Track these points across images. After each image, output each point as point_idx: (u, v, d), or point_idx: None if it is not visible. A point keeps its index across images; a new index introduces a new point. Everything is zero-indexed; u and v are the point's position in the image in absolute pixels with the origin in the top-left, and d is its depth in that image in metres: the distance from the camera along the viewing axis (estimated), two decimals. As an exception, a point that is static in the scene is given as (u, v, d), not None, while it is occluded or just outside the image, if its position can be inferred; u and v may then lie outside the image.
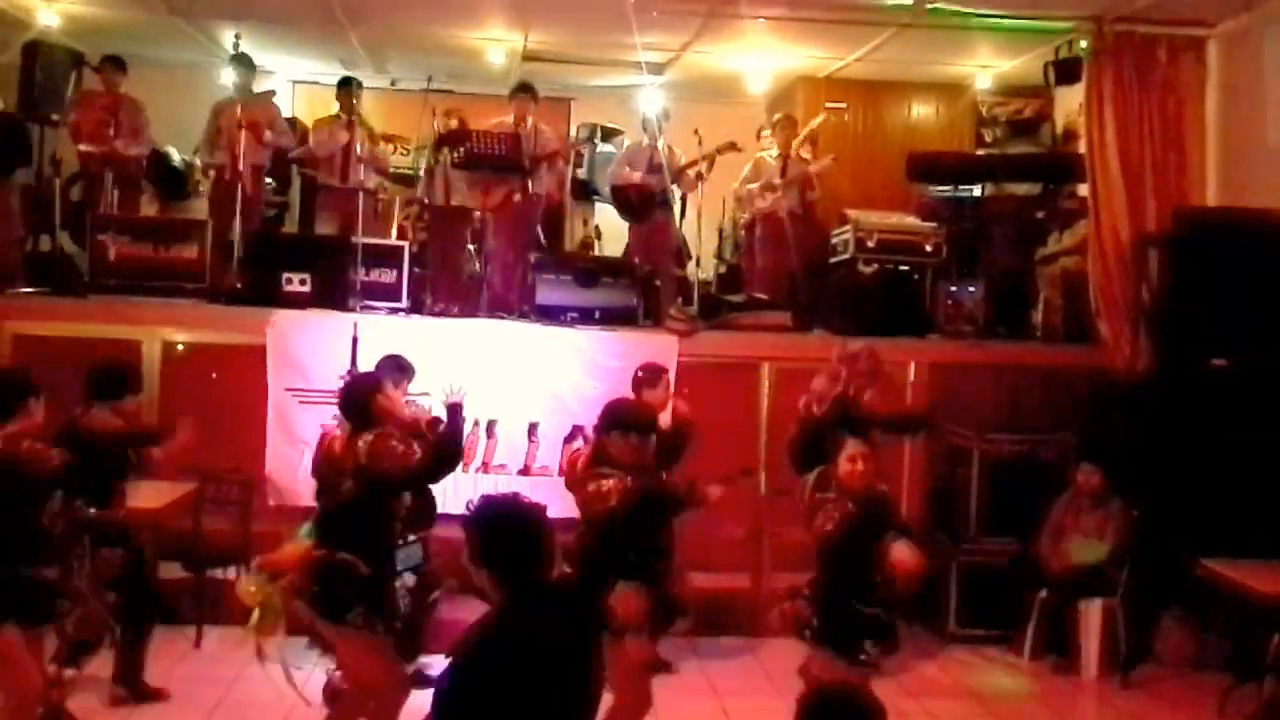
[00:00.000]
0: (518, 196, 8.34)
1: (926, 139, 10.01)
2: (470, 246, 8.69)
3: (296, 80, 10.95)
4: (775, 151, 9.00)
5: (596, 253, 10.00)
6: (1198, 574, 5.98)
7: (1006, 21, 8.20)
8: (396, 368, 5.59)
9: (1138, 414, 7.14)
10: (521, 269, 8.34)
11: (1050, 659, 6.75)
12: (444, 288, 8.30)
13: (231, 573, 6.70)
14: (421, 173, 8.91)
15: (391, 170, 9.38)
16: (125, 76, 8.44)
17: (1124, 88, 7.66)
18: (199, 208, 9.17)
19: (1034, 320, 8.55)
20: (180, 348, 7.25)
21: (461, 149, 8.21)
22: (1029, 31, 8.38)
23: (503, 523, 3.06)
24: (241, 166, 8.10)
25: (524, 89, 8.52)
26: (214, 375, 7.30)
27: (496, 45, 9.53)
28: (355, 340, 6.64)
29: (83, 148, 8.37)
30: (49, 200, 8.42)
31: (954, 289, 8.16)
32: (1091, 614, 6.66)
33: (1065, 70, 8.14)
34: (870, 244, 8.30)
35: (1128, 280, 7.55)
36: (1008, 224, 8.78)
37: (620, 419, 4.87)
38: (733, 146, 8.57)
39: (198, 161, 9.35)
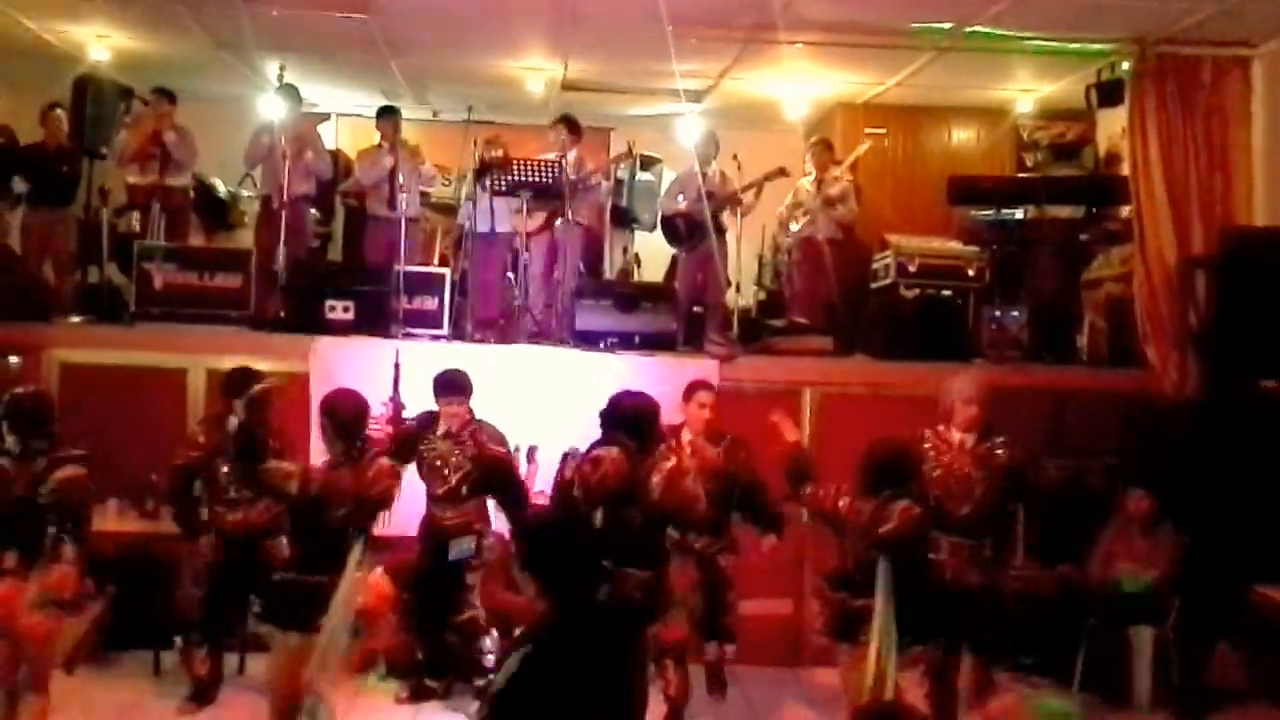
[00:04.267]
0: (558, 223, 8.39)
1: (967, 164, 9.96)
2: (510, 274, 8.73)
3: (340, 113, 11.10)
4: (812, 176, 8.99)
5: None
6: (1252, 601, 5.85)
7: (1047, 44, 8.17)
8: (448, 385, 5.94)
9: (1187, 438, 7.02)
10: (561, 295, 8.37)
11: (1100, 689, 6.62)
12: (484, 314, 8.34)
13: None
14: (463, 200, 8.99)
15: (434, 198, 9.47)
16: (174, 108, 8.58)
17: (1167, 109, 7.60)
18: (245, 238, 9.30)
19: (1079, 344, 8.46)
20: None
21: (503, 176, 8.26)
22: (1070, 54, 8.34)
23: (550, 533, 3.12)
24: (286, 195, 8.18)
25: (567, 122, 8.58)
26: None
27: (536, 75, 9.60)
28: (397, 366, 6.67)
29: (130, 179, 8.51)
30: (97, 232, 8.56)
31: (998, 313, 8.09)
32: (1142, 643, 6.52)
33: (1107, 92, 8.08)
34: (911, 268, 8.24)
35: (1174, 303, 7.47)
36: (1051, 247, 8.70)
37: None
38: (782, 172, 8.58)
39: (244, 193, 9.50)
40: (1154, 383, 7.43)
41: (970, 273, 8.30)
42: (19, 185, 8.58)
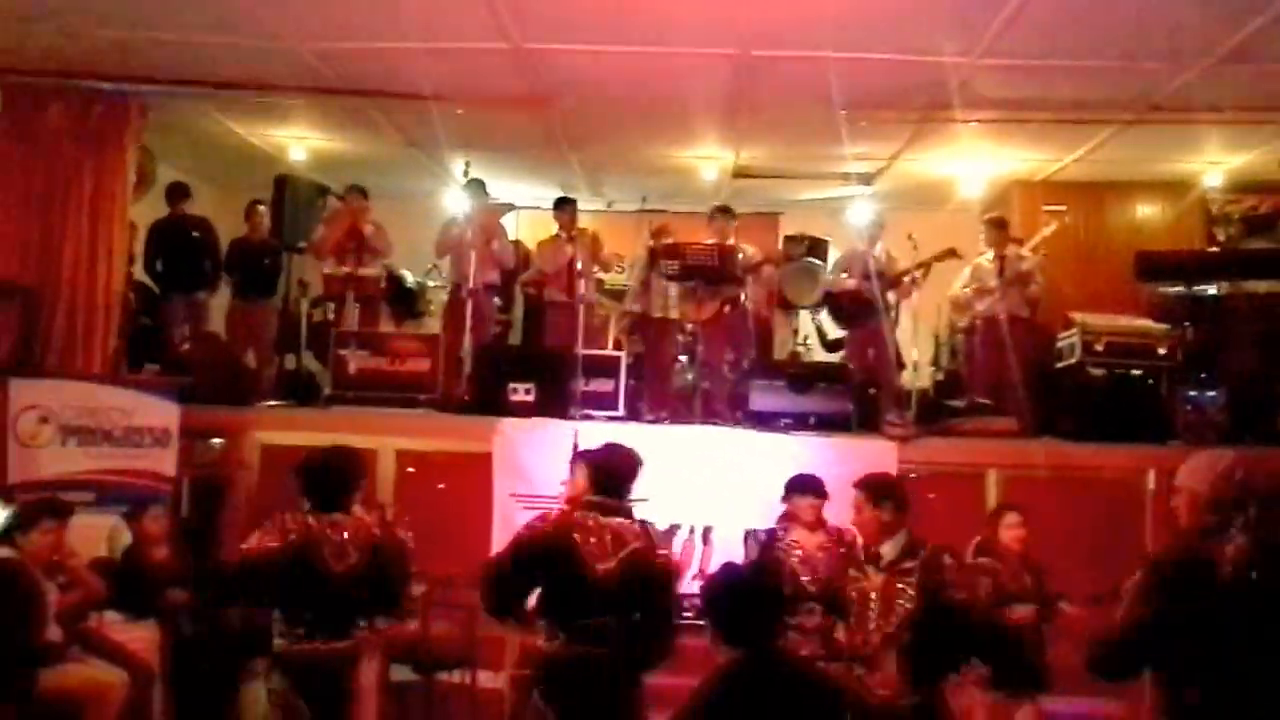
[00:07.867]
0: (729, 307, 8.47)
1: (1153, 239, 9.65)
2: (683, 357, 8.82)
3: (520, 206, 11.50)
4: (990, 254, 8.82)
5: (807, 361, 9.95)
6: None
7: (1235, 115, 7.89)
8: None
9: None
10: (734, 376, 8.40)
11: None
12: (658, 396, 8.44)
13: (457, 676, 6.85)
14: (636, 286, 9.17)
15: (608, 285, 9.69)
16: (368, 203, 9.05)
17: (1371, 177, 7.23)
18: (431, 326, 9.68)
19: (1282, 426, 8.00)
20: (411, 469, 7.52)
21: (675, 262, 8.40)
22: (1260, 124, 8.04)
23: (727, 581, 3.35)
24: (473, 283, 8.49)
25: (722, 211, 8.70)
26: (441, 486, 7.58)
27: (709, 163, 9.78)
28: (576, 447, 6.78)
29: (326, 270, 8.99)
30: (295, 321, 9.05)
31: (1193, 393, 7.73)
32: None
33: (1303, 162, 7.75)
34: (1098, 347, 7.99)
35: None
36: (1249, 325, 8.30)
37: None
38: (952, 253, 8.43)
39: (430, 282, 9.91)
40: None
41: (1161, 351, 7.99)
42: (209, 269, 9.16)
